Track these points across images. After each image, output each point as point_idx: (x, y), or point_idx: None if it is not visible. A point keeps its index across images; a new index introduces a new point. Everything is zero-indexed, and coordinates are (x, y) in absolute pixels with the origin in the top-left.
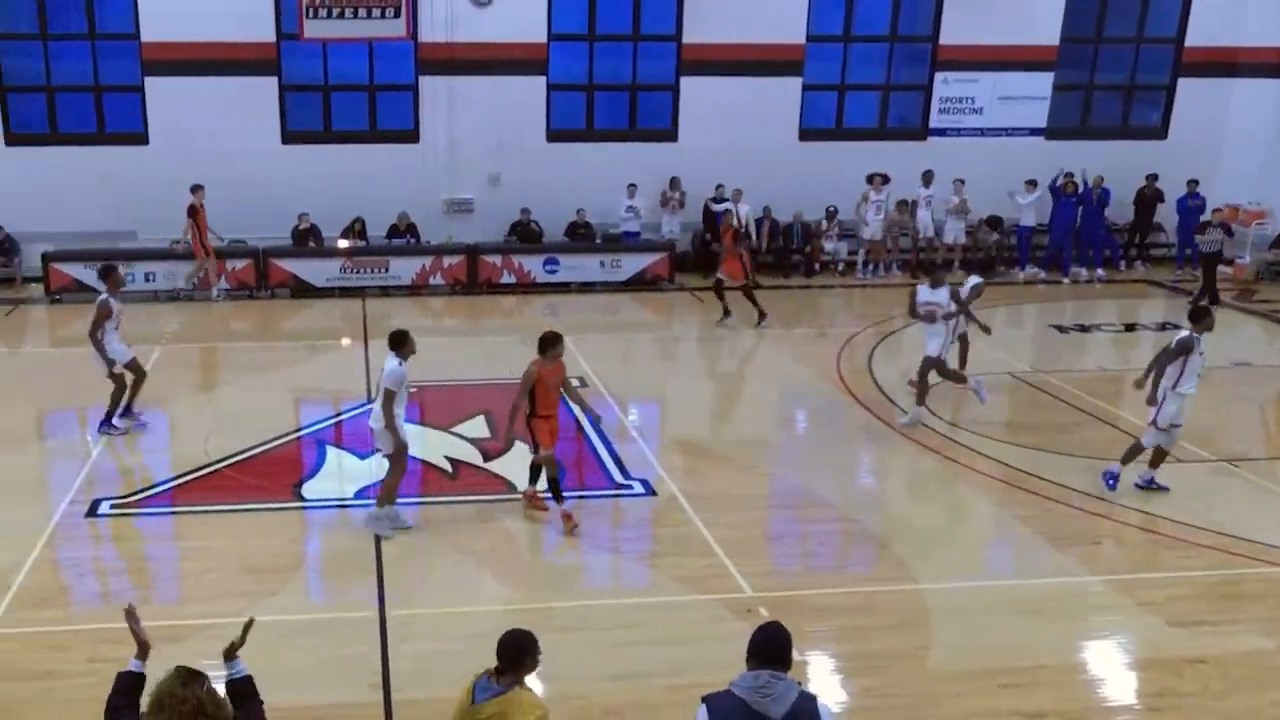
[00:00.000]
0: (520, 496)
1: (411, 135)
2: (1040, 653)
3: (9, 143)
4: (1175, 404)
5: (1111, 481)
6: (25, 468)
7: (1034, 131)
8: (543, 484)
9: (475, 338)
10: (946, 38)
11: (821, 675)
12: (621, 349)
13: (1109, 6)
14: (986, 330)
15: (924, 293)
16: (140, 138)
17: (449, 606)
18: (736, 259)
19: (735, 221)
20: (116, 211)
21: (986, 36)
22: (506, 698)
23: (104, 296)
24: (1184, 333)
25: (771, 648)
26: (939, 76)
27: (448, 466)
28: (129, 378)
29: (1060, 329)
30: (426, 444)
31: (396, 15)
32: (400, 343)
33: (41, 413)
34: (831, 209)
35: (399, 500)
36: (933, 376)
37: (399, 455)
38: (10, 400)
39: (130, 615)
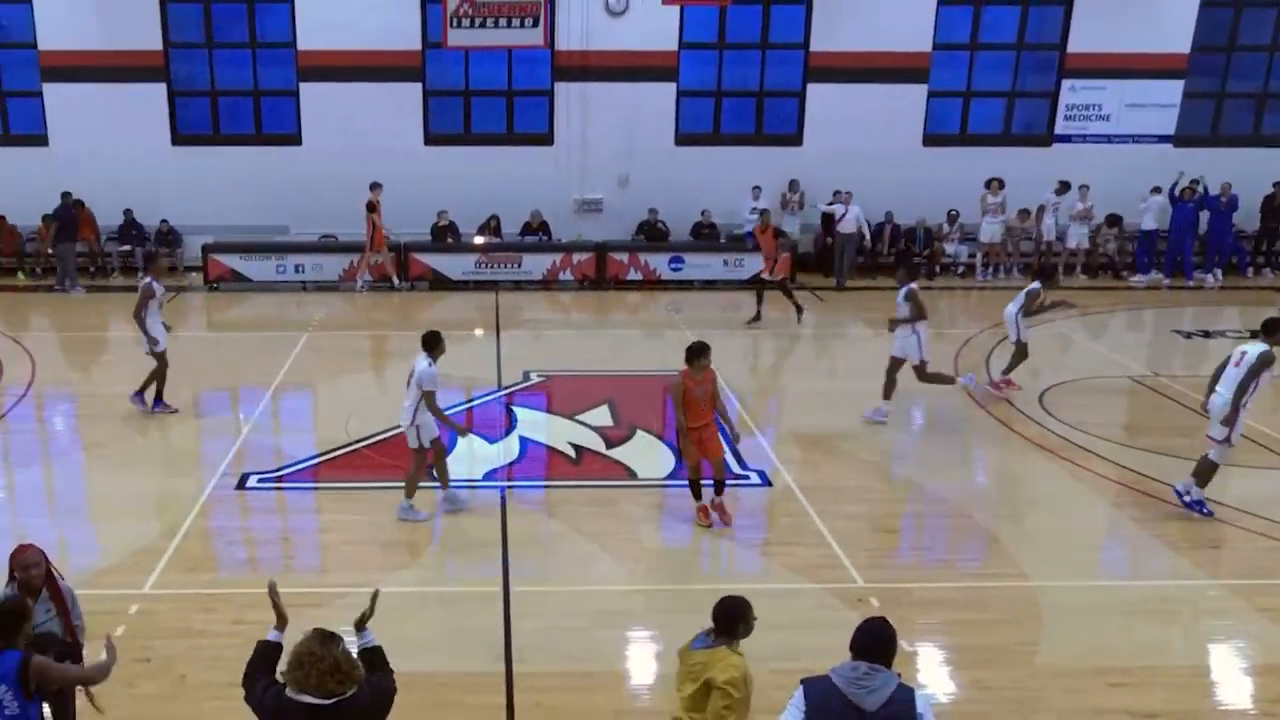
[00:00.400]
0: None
1: (546, 138)
2: (1153, 654)
3: (175, 143)
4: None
5: (1199, 507)
6: (182, 442)
7: (1162, 138)
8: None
9: (601, 331)
10: (1075, 46)
11: (930, 666)
12: (742, 345)
13: (1243, 15)
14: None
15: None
16: (294, 139)
17: (569, 585)
18: (773, 260)
19: (770, 221)
20: (270, 207)
21: (1116, 45)
22: (713, 652)
23: (147, 280)
24: (1260, 346)
25: (872, 641)
26: (1066, 84)
27: (572, 452)
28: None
29: (1183, 334)
30: (552, 431)
31: (535, 25)
32: (433, 344)
33: (197, 392)
34: (953, 213)
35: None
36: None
37: (438, 449)
38: (171, 380)
39: (272, 590)
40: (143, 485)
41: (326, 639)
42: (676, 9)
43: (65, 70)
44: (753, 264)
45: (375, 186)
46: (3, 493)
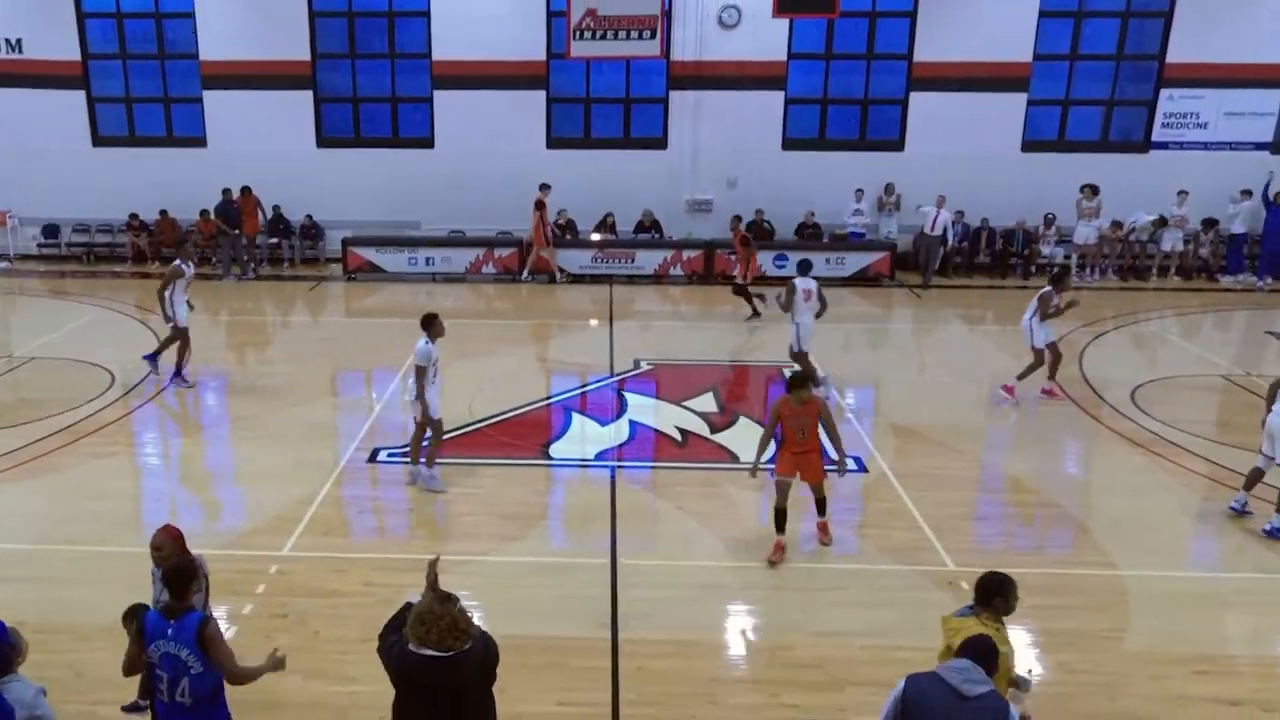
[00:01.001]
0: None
1: (659, 142)
2: (1238, 643)
3: (320, 145)
4: None
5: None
6: (320, 418)
7: (1259, 146)
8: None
9: (708, 323)
10: (1174, 56)
11: (1018, 649)
12: (841, 338)
13: None
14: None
15: (800, 281)
16: (427, 142)
17: (674, 559)
18: (743, 261)
19: (739, 226)
20: (404, 204)
21: (1215, 55)
22: (964, 620)
23: (177, 262)
24: None
25: (980, 650)
26: (1164, 93)
27: (678, 436)
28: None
29: (1276, 335)
30: (660, 415)
31: (652, 37)
32: (429, 324)
33: (335, 372)
34: (1049, 216)
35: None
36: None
37: (435, 425)
38: (311, 361)
39: (432, 565)
40: (284, 456)
41: (445, 599)
42: (786, 21)
43: (223, 78)
44: (853, 262)
45: (544, 187)
46: (159, 459)
